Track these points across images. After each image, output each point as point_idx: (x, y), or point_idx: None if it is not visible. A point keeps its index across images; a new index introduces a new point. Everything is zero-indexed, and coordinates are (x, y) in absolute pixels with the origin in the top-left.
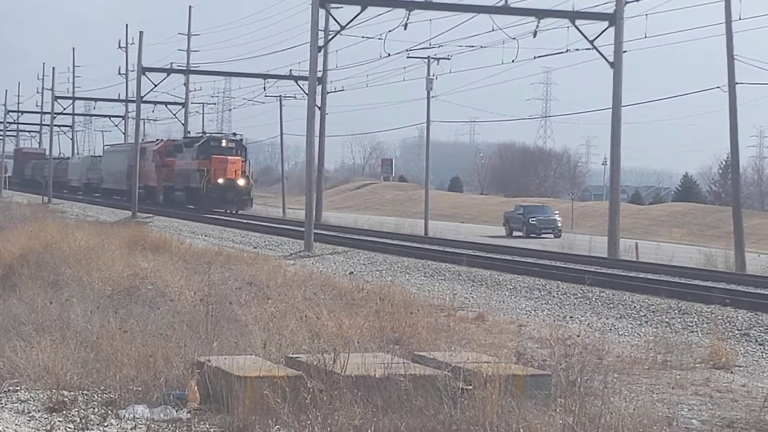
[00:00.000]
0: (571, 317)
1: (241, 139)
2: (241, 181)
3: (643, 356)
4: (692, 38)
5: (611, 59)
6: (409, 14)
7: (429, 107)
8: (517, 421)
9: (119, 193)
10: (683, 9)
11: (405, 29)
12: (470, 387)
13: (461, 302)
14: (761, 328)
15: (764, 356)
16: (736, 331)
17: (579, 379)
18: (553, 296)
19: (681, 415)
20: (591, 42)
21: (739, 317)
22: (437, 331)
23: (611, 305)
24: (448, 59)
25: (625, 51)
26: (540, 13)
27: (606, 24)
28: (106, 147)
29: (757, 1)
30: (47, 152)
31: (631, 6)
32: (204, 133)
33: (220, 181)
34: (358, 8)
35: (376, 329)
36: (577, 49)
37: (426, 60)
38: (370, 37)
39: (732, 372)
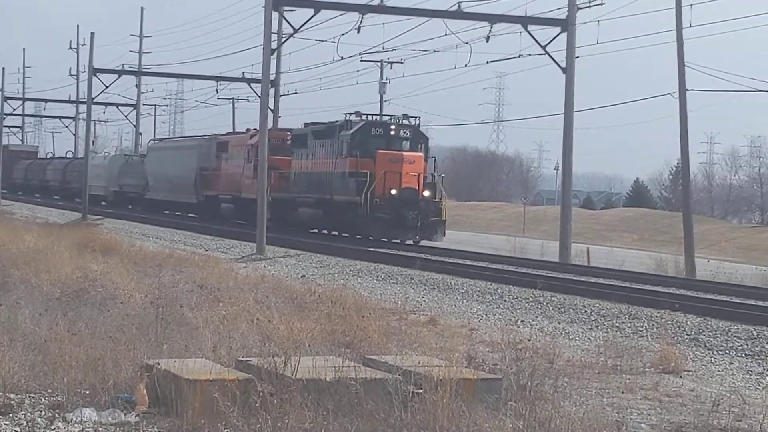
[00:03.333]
0: (522, 321)
1: (419, 124)
2: (426, 193)
3: (593, 360)
4: (645, 45)
5: (563, 65)
6: (362, 18)
7: (382, 110)
8: (467, 425)
9: (182, 207)
10: (636, 15)
11: (358, 33)
12: (421, 391)
13: (413, 306)
14: (710, 333)
15: (713, 361)
16: (686, 336)
17: (529, 383)
18: (505, 300)
19: (630, 419)
20: (543, 47)
21: (689, 322)
22: (389, 334)
23: (562, 309)
24: (401, 63)
25: (577, 57)
26: (493, 18)
27: (558, 30)
28: (151, 142)
29: (708, 9)
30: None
31: (584, 12)
32: (353, 114)
33: (394, 192)
34: (311, 11)
35: (327, 332)
36: (530, 54)
37: (379, 64)
38: (323, 41)
39: (681, 376)
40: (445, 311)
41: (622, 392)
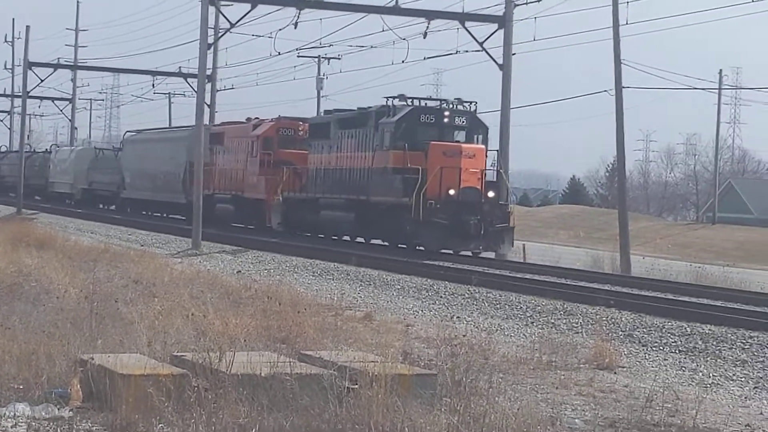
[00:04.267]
0: (458, 317)
1: (476, 110)
2: (491, 194)
3: (528, 356)
4: (582, 42)
5: (500, 61)
6: (299, 13)
7: (319, 106)
8: (402, 420)
9: (167, 207)
10: (573, 12)
11: (295, 28)
12: (356, 386)
13: (349, 302)
14: (644, 330)
15: (647, 357)
16: (620, 332)
17: (464, 379)
18: (441, 296)
19: (565, 414)
20: (480, 44)
21: (623, 318)
22: (324, 330)
23: (498, 306)
24: (339, 59)
25: (514, 53)
26: (430, 14)
27: (495, 26)
28: (128, 134)
29: (645, 6)
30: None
31: (521, 9)
32: (395, 98)
33: (452, 192)
34: (248, 6)
35: (262, 328)
36: (467, 51)
37: (316, 59)
38: (260, 36)
39: (615, 372)
40: (381, 307)
41: (557, 388)
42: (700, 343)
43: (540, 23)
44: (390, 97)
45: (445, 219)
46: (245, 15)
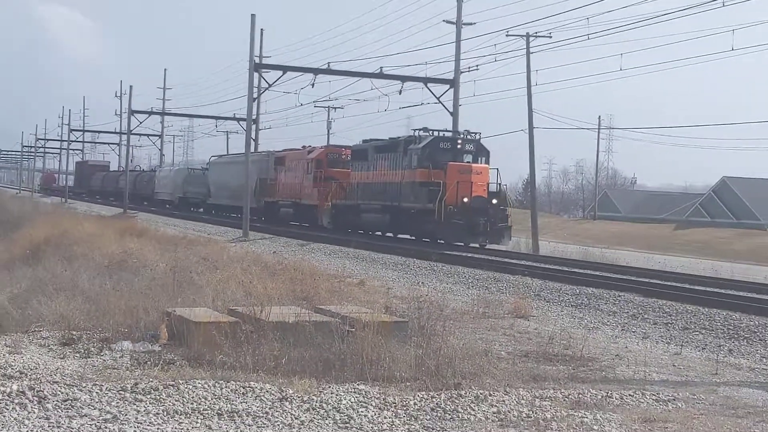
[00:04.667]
0: (422, 283)
1: (479, 139)
2: (494, 200)
3: (469, 309)
4: (506, 97)
5: (451, 110)
6: (315, 77)
7: (328, 141)
8: (384, 353)
9: (242, 210)
10: (501, 77)
11: (312, 87)
12: (353, 330)
13: (349, 273)
14: (548, 291)
15: (550, 309)
16: (532, 293)
17: (426, 325)
18: (411, 269)
19: (494, 348)
20: (438, 98)
21: (534, 283)
22: (332, 291)
23: (450, 275)
24: (342, 108)
25: (461, 105)
26: (404, 78)
27: (448, 86)
28: (213, 158)
29: (547, 73)
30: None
31: (465, 74)
32: (420, 130)
33: (466, 200)
34: (280, 72)
35: (290, 290)
36: (429, 103)
37: (327, 108)
38: (288, 92)
39: (528, 320)
40: (371, 276)
41: (489, 330)
42: (585, 299)
43: (478, 84)
44: (416, 129)
45: (461, 219)
46: (278, 78)
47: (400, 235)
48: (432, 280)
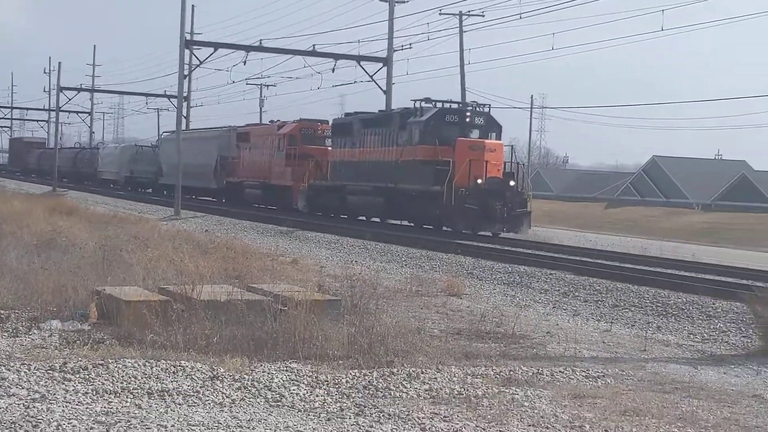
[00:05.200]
0: (355, 261)
1: (489, 110)
2: (512, 182)
3: (403, 287)
4: (440, 75)
5: (384, 88)
6: (247, 54)
7: (261, 119)
8: (317, 331)
9: (199, 191)
10: (434, 55)
11: (245, 65)
12: (286, 308)
13: (282, 251)
14: (481, 269)
15: (482, 287)
16: (464, 271)
17: (359, 303)
18: (344, 247)
19: (427, 326)
20: (371, 76)
21: (467, 262)
22: (265, 270)
23: (383, 253)
24: (275, 86)
25: (393, 83)
26: (337, 56)
27: (381, 64)
28: (165, 134)
29: (481, 52)
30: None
31: (398, 53)
32: (422, 101)
33: (480, 181)
34: (211, 49)
35: (222, 269)
36: (362, 81)
37: (259, 86)
38: (220, 69)
39: (461, 298)
40: (304, 255)
41: (422, 308)
42: (517, 277)
43: (411, 62)
44: (417, 100)
45: (474, 204)
46: (210, 56)
47: (395, 222)
48: (365, 259)
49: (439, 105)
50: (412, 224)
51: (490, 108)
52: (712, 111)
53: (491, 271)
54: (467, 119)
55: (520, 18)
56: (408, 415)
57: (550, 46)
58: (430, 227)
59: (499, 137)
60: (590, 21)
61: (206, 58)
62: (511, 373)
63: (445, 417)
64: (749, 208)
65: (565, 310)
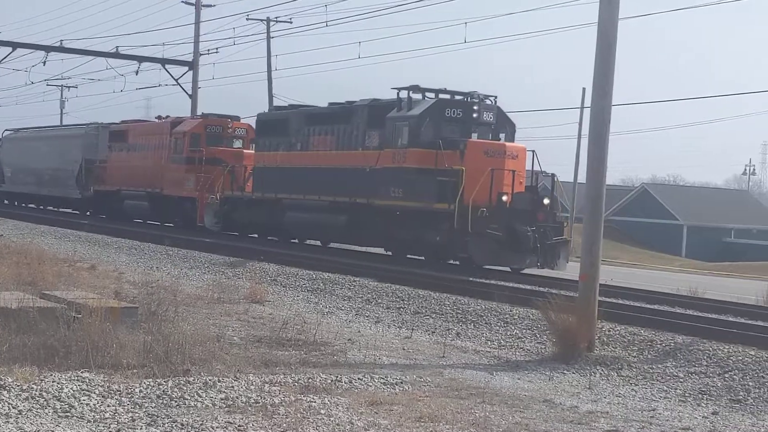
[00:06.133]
0: (157, 268)
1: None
2: (546, 201)
3: (204, 294)
4: (247, 81)
5: (190, 92)
6: (47, 54)
7: (62, 121)
8: (112, 339)
9: (57, 201)
10: (241, 61)
11: (44, 65)
12: (80, 315)
13: (80, 257)
14: (285, 276)
15: (286, 294)
16: (268, 278)
17: (158, 310)
18: (146, 253)
19: (227, 333)
20: (176, 80)
21: (271, 269)
22: (60, 276)
23: (185, 260)
24: (76, 87)
25: (200, 87)
26: (141, 59)
27: (186, 68)
28: (8, 132)
29: (291, 58)
30: None
31: (205, 57)
32: (407, 89)
33: (504, 198)
34: (9, 49)
35: (15, 275)
36: (167, 84)
37: (60, 87)
38: (18, 70)
39: (263, 305)
40: (103, 261)
41: (223, 316)
42: (321, 284)
43: (219, 67)
44: (401, 88)
45: (498, 229)
46: (8, 55)
47: (368, 249)
48: (167, 265)
49: (430, 96)
50: (389, 252)
51: (496, 100)
52: None
53: (295, 278)
54: (475, 114)
55: (326, 26)
56: (202, 424)
57: (357, 54)
58: (421, 258)
59: (512, 138)
60: (397, 31)
61: (4, 58)
62: (310, 380)
63: (239, 426)
64: None
65: (367, 317)
